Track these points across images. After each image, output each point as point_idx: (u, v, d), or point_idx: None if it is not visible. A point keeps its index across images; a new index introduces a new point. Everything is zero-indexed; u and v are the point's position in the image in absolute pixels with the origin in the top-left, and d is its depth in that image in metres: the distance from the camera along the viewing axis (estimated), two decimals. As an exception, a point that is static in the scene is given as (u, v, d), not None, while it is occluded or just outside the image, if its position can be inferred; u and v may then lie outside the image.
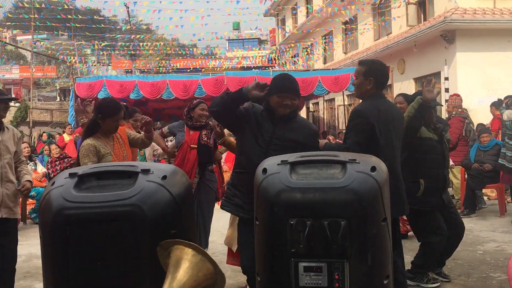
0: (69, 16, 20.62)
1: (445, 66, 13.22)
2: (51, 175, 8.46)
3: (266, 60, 28.34)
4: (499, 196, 7.37)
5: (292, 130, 3.20)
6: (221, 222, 5.44)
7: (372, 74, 3.37)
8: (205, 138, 4.94)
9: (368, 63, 3.46)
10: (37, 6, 22.02)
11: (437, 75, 14.03)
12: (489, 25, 12.85)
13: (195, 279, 1.57)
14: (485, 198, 7.66)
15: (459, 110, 8.52)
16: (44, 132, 16.03)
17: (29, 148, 8.89)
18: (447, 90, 12.81)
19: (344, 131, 6.17)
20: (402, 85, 15.87)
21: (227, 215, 3.84)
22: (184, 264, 1.58)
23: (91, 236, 2.00)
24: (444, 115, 11.81)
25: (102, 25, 31.38)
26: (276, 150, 3.05)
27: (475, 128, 8.89)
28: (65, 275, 2.04)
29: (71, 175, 2.11)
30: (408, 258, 4.98)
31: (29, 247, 6.15)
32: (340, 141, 5.85)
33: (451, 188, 7.48)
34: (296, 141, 3.15)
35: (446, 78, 13.09)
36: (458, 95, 9.11)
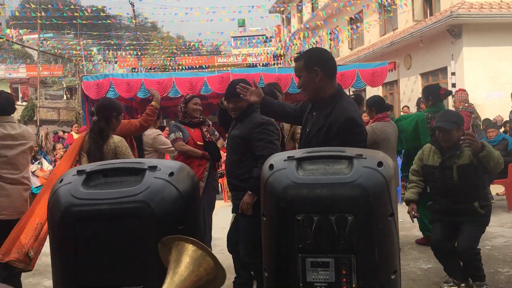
0: (76, 14, 20.67)
1: (452, 61, 13.16)
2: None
3: (272, 57, 28.30)
4: (507, 191, 7.34)
5: (240, 128, 3.58)
6: (227, 220, 5.45)
7: (314, 63, 2.79)
8: (208, 135, 4.81)
9: (304, 53, 2.92)
10: (43, 7, 22.09)
11: (444, 70, 13.97)
12: (495, 19, 12.77)
13: (196, 273, 1.58)
14: (494, 193, 7.62)
15: (466, 105, 8.51)
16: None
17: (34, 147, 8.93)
18: (453, 85, 12.76)
19: None
20: (409, 81, 15.81)
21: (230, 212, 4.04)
22: (185, 260, 1.59)
23: (99, 233, 2.01)
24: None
25: (108, 21, 31.45)
26: (229, 148, 3.65)
27: (481, 123, 8.87)
28: (74, 272, 2.05)
29: (79, 172, 2.12)
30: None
31: (38, 244, 6.18)
32: None
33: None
34: (239, 137, 3.54)
35: (453, 73, 13.04)
36: (464, 90, 9.09)
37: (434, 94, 5.57)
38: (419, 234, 5.82)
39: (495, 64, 12.83)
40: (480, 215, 3.90)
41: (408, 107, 11.81)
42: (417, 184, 4.18)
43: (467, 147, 3.64)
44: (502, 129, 9.68)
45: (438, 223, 4.06)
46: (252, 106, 3.52)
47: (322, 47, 22.35)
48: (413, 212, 3.99)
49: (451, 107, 12.38)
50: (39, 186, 8.14)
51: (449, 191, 3.96)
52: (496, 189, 7.95)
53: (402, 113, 11.94)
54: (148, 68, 27.22)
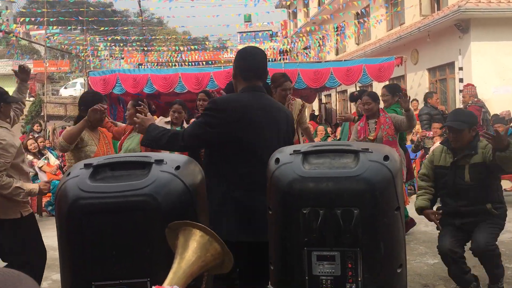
0: (82, 9, 20.71)
1: (459, 56, 13.06)
2: (63, 168, 8.59)
3: (278, 52, 28.23)
4: (514, 187, 7.30)
5: None
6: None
7: (235, 60, 2.84)
8: None
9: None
10: (49, 0, 22.15)
11: (451, 65, 13.88)
12: (504, 13, 12.66)
13: (203, 259, 1.59)
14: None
15: (475, 99, 8.47)
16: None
17: (36, 144, 9.02)
18: (461, 80, 12.68)
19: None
20: (416, 76, 15.73)
21: None
22: (192, 245, 1.60)
23: (106, 226, 2.02)
24: (459, 105, 11.70)
25: (115, 18, 31.57)
26: None
27: (490, 118, 8.83)
28: (81, 265, 2.07)
29: (86, 166, 2.14)
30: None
31: (45, 239, 6.17)
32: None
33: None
34: None
35: (460, 68, 12.95)
36: (473, 85, 9.04)
37: (400, 90, 5.84)
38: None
39: (503, 59, 12.71)
40: (494, 216, 3.66)
41: (418, 101, 11.72)
42: (426, 190, 3.91)
43: (490, 143, 3.41)
44: None
45: (448, 228, 3.81)
46: None
47: (329, 42, 22.30)
48: (436, 216, 3.70)
49: (458, 102, 12.32)
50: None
51: (460, 192, 3.74)
52: (503, 184, 7.91)
53: (412, 108, 11.87)
54: (155, 64, 27.24)
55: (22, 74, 4.20)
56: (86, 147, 3.75)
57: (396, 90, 6.07)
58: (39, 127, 12.19)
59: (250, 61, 2.80)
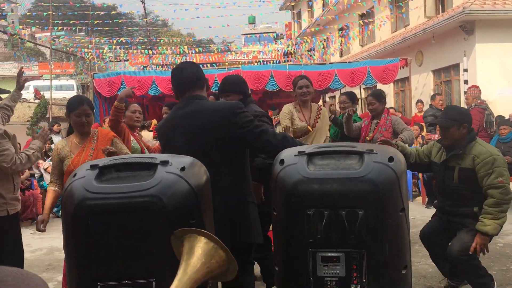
0: (87, 12, 20.79)
1: (464, 57, 13.03)
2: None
3: (282, 54, 28.24)
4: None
5: None
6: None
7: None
8: None
9: None
10: (55, 4, 22.24)
11: (456, 66, 13.85)
12: (509, 15, 12.61)
13: (208, 265, 1.60)
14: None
15: (478, 101, 8.45)
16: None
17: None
18: (466, 82, 12.64)
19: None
20: (420, 78, 15.70)
21: None
22: (197, 251, 1.61)
23: (112, 226, 2.03)
24: (463, 107, 11.66)
25: (120, 21, 31.70)
26: None
27: (494, 120, 8.80)
28: (87, 265, 2.08)
29: (92, 167, 2.15)
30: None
31: (51, 240, 6.25)
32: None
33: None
34: None
35: (465, 70, 12.91)
36: (477, 87, 9.03)
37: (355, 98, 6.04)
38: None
39: (509, 61, 12.66)
40: None
41: (423, 103, 11.68)
42: (417, 149, 3.98)
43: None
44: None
45: (435, 217, 3.91)
46: (245, 99, 3.58)
47: (333, 44, 22.28)
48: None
49: (463, 104, 12.29)
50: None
51: (448, 192, 3.72)
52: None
53: (416, 110, 11.86)
54: (160, 66, 27.29)
55: (19, 82, 4.37)
56: (65, 162, 3.61)
57: (355, 98, 6.09)
58: (58, 127, 12.12)
59: (179, 77, 3.03)
